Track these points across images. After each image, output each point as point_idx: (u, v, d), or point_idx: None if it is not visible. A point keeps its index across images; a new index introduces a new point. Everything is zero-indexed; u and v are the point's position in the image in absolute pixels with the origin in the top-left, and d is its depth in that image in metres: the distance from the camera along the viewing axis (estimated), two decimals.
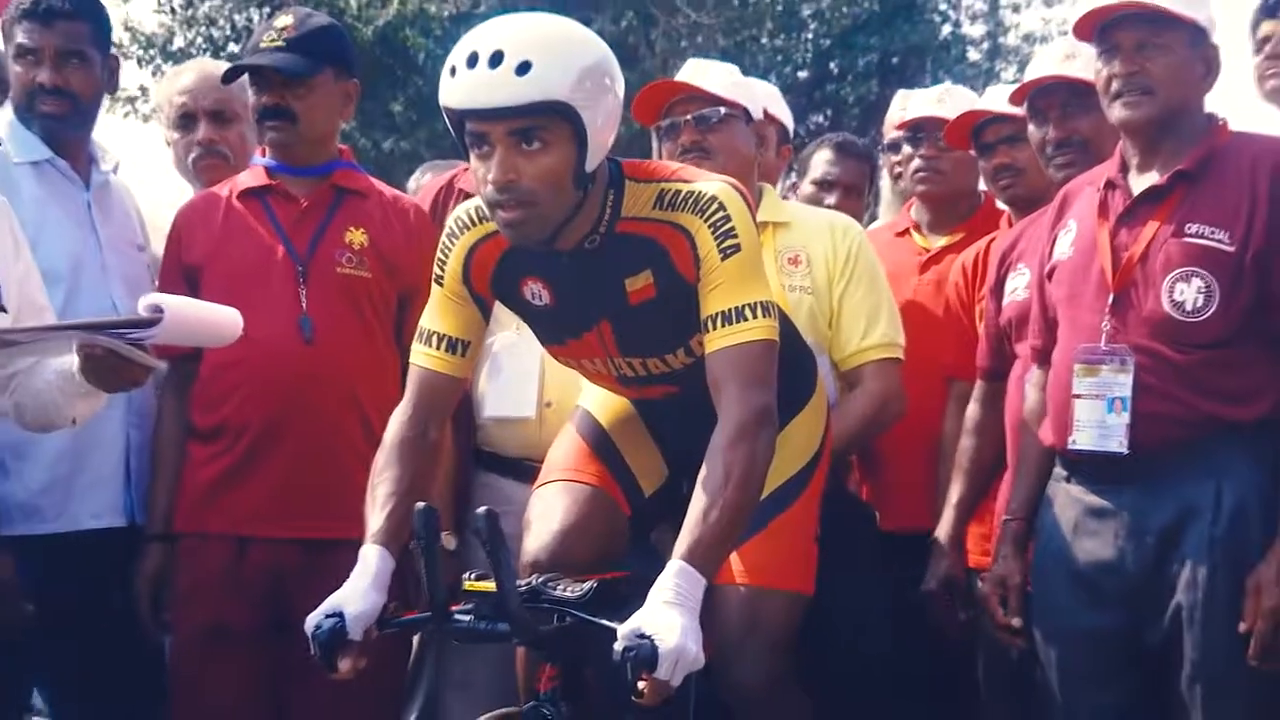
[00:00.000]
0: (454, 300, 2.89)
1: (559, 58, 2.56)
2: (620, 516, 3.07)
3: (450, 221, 2.88)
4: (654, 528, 3.16)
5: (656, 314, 2.77)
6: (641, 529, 3.14)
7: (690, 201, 2.69)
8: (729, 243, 2.66)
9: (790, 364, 2.86)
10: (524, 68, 2.52)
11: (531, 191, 2.59)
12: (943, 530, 3.50)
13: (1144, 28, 3.01)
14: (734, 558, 2.74)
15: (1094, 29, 3.07)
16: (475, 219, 2.84)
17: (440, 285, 2.89)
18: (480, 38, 2.58)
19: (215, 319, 2.85)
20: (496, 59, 2.53)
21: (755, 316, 2.65)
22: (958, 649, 3.53)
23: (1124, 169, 3.11)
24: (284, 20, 3.46)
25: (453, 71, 2.58)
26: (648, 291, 2.76)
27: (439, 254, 2.89)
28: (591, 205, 2.70)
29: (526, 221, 2.63)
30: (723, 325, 2.66)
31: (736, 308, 2.65)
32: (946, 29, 17.51)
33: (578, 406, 3.21)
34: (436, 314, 2.90)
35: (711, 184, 2.72)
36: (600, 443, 3.11)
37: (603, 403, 3.16)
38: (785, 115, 4.08)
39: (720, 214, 2.67)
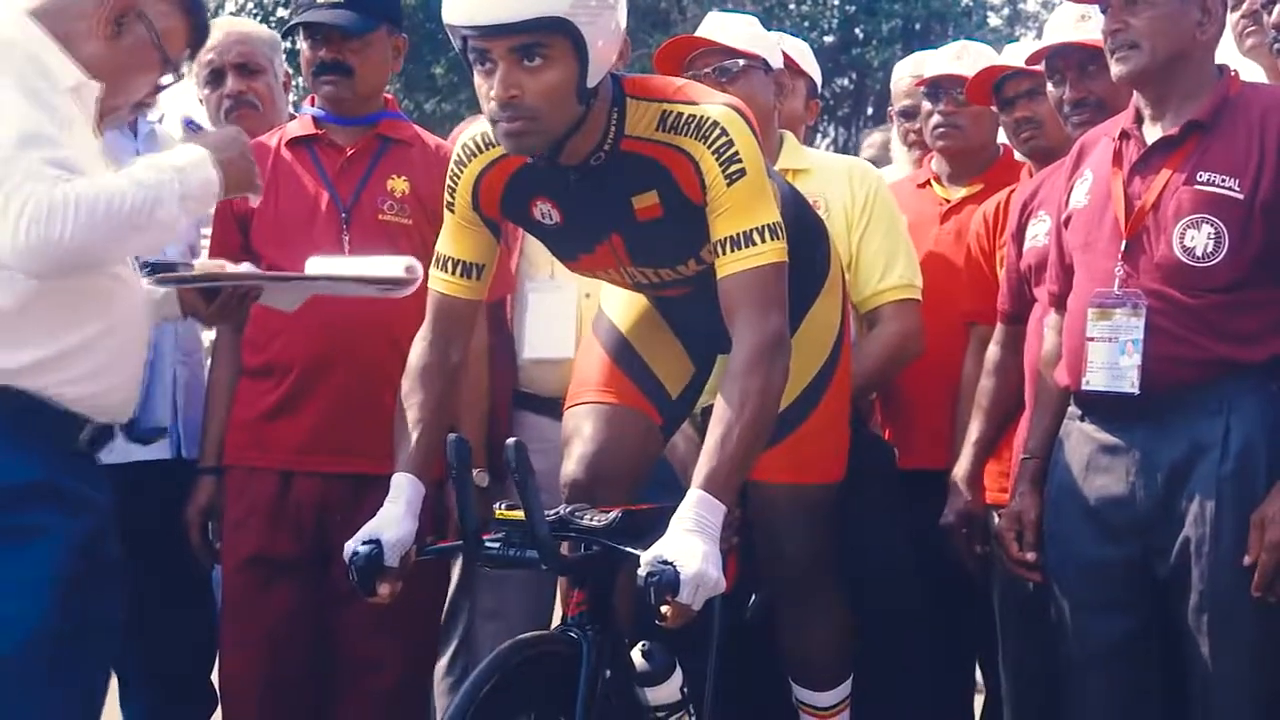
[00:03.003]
0: (466, 225, 2.88)
1: None
2: (651, 427, 3.08)
3: (458, 148, 2.86)
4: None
5: (664, 229, 2.75)
6: (675, 428, 3.18)
7: (693, 125, 2.65)
8: (734, 168, 2.63)
9: (802, 245, 2.85)
10: None
11: (534, 108, 2.56)
12: (961, 467, 3.49)
13: None
14: (775, 455, 2.80)
15: None
16: (482, 145, 2.81)
17: (451, 211, 2.88)
18: None
19: None
20: None
21: (764, 240, 2.63)
22: (974, 582, 3.53)
23: (1138, 120, 3.08)
24: None
25: None
26: (654, 210, 2.74)
27: (448, 181, 2.87)
28: (595, 121, 2.67)
29: (528, 134, 2.60)
30: (732, 250, 2.64)
31: (745, 232, 2.63)
32: None
33: (599, 312, 3.20)
34: (449, 239, 2.90)
35: (714, 107, 2.67)
36: (623, 354, 3.10)
37: (622, 306, 3.15)
38: (814, 71, 4.08)
39: (723, 139, 2.63)
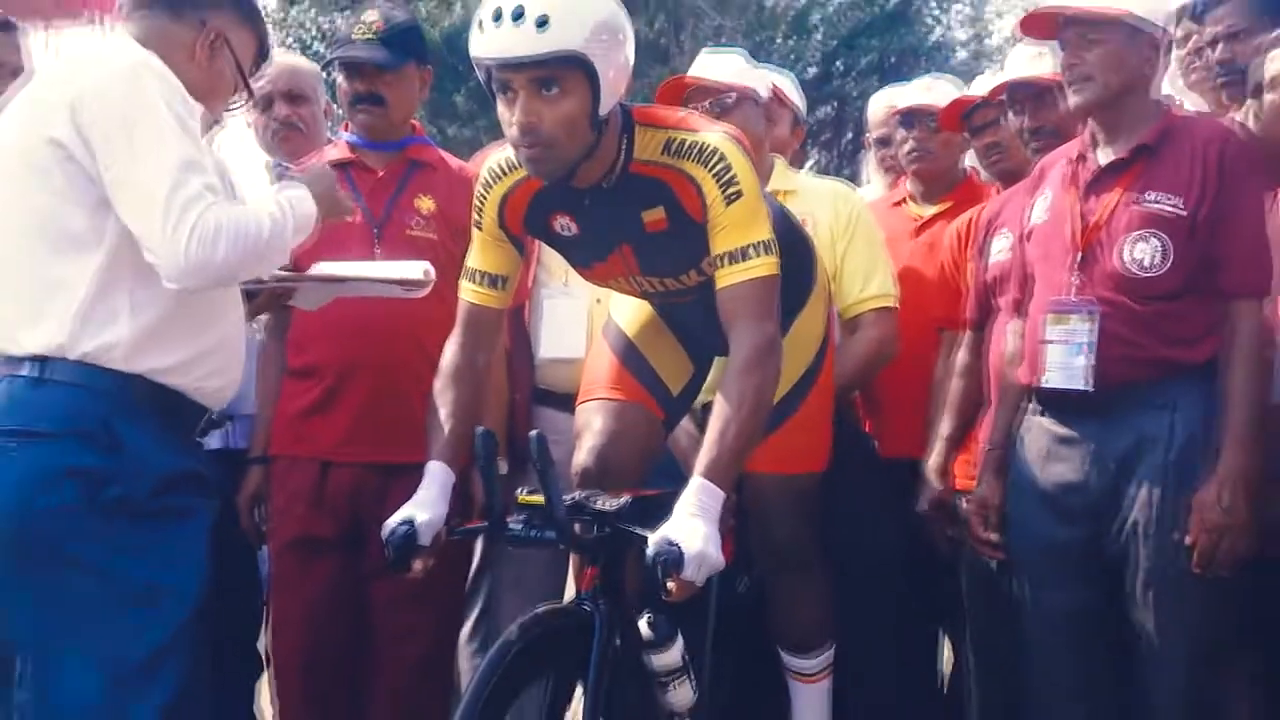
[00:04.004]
0: (492, 241, 2.95)
1: (574, 13, 2.59)
2: (654, 420, 3.16)
3: (484, 172, 2.93)
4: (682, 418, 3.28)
5: (670, 241, 2.83)
6: (676, 421, 3.25)
7: (695, 151, 2.73)
8: (732, 189, 2.71)
9: (791, 259, 2.91)
10: (543, 22, 2.55)
11: (551, 134, 2.64)
12: (933, 459, 3.54)
13: (1082, 26, 3.07)
14: (765, 447, 2.84)
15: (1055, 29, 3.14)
16: (506, 169, 2.89)
17: (479, 229, 2.95)
18: None
19: None
20: (518, 15, 2.55)
21: (759, 255, 2.71)
22: (944, 562, 3.59)
23: (1092, 144, 3.16)
24: (372, 16, 3.55)
25: (480, 26, 2.62)
26: (661, 224, 2.81)
27: (476, 201, 2.94)
28: (607, 147, 2.74)
29: (546, 160, 2.68)
30: (730, 263, 2.71)
31: (741, 248, 2.71)
32: (938, 33, 17.58)
33: (608, 318, 3.28)
34: (478, 254, 2.97)
35: (714, 135, 2.75)
36: (629, 356, 3.19)
37: (629, 312, 3.23)
38: (800, 101, 4.15)
39: (722, 163, 2.71)
